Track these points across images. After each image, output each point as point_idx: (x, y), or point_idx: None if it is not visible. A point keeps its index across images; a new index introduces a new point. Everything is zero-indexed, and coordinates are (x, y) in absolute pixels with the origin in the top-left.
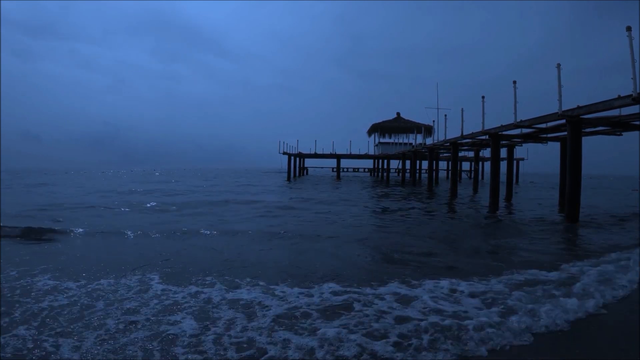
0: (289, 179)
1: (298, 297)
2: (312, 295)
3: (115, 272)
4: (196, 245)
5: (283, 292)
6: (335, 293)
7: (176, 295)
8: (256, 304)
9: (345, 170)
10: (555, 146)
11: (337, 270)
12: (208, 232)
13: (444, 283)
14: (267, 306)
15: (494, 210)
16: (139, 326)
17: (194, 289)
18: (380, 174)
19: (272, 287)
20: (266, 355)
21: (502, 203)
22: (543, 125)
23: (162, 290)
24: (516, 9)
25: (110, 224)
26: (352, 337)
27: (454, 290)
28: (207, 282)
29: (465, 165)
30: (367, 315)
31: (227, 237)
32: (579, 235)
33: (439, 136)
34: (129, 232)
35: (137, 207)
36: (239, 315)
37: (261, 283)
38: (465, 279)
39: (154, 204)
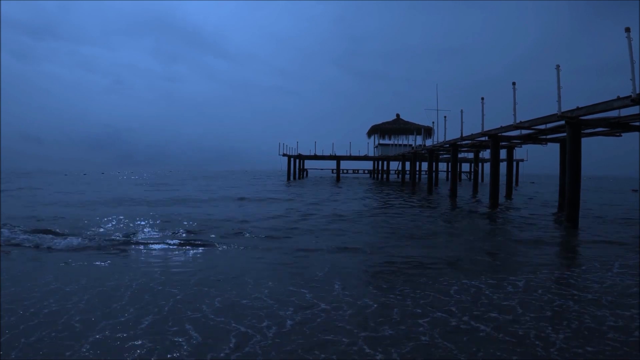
0: (288, 180)
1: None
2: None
3: None
4: None
5: None
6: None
7: None
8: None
9: (345, 171)
10: (555, 147)
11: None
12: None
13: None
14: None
15: (493, 212)
16: None
17: None
18: (380, 175)
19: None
20: None
21: (502, 204)
22: (542, 127)
23: None
24: (514, 9)
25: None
26: None
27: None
28: None
29: (465, 167)
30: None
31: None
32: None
33: (438, 137)
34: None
35: None
36: None
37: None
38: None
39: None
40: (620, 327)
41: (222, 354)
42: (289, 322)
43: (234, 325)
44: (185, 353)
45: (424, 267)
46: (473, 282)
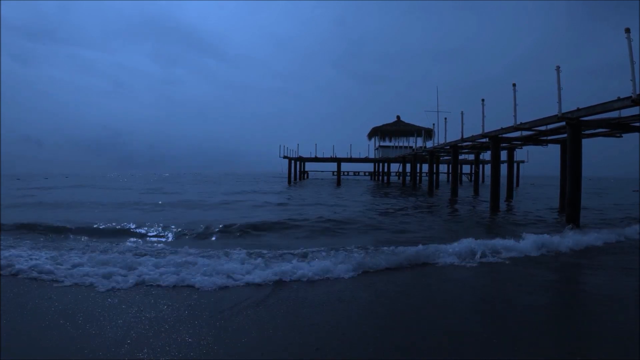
0: (289, 183)
1: None
2: None
3: None
4: None
5: None
6: None
7: None
8: None
9: (345, 174)
10: (556, 148)
11: None
12: None
13: None
14: None
15: (494, 214)
16: None
17: None
18: (380, 177)
19: None
20: None
21: (502, 206)
22: (543, 128)
23: None
24: (513, 10)
25: None
26: None
27: None
28: None
29: (466, 168)
30: None
31: None
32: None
33: (439, 139)
34: None
35: None
36: None
37: None
38: None
39: None
40: None
41: None
42: None
43: None
44: None
45: None
46: None
